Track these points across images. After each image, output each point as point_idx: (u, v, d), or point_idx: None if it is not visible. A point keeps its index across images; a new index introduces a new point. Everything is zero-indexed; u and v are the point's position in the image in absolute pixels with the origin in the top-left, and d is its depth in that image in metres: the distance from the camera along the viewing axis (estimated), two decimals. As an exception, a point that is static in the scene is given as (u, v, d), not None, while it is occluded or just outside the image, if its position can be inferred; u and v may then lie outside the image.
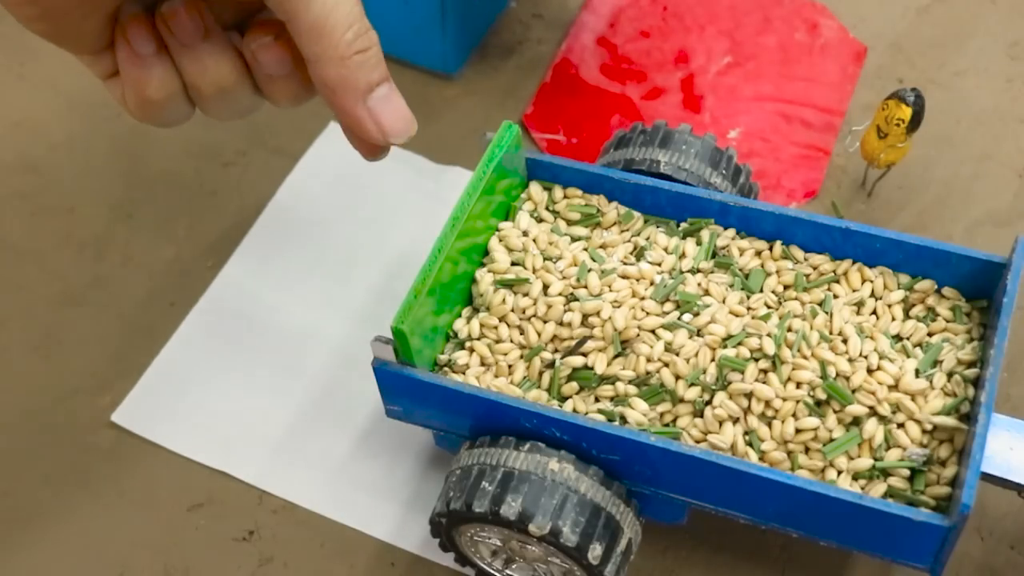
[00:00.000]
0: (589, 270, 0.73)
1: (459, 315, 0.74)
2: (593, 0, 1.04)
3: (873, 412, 0.67)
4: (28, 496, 0.81)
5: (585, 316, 0.71)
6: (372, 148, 0.63)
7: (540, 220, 0.77)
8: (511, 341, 0.72)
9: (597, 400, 0.70)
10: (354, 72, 0.58)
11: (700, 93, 0.98)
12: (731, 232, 0.76)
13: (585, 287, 0.72)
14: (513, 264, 0.75)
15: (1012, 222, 0.90)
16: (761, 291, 0.73)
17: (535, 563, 0.72)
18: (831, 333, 0.70)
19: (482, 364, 0.72)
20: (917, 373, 0.68)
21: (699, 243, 0.75)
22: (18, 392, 0.85)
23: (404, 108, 0.62)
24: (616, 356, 0.70)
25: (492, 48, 1.02)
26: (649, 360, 0.69)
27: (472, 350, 0.72)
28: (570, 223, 0.77)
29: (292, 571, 0.77)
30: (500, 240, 0.76)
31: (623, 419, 0.68)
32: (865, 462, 0.66)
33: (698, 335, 0.70)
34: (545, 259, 0.74)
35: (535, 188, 0.78)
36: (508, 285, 0.73)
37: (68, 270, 0.91)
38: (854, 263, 0.74)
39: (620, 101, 0.98)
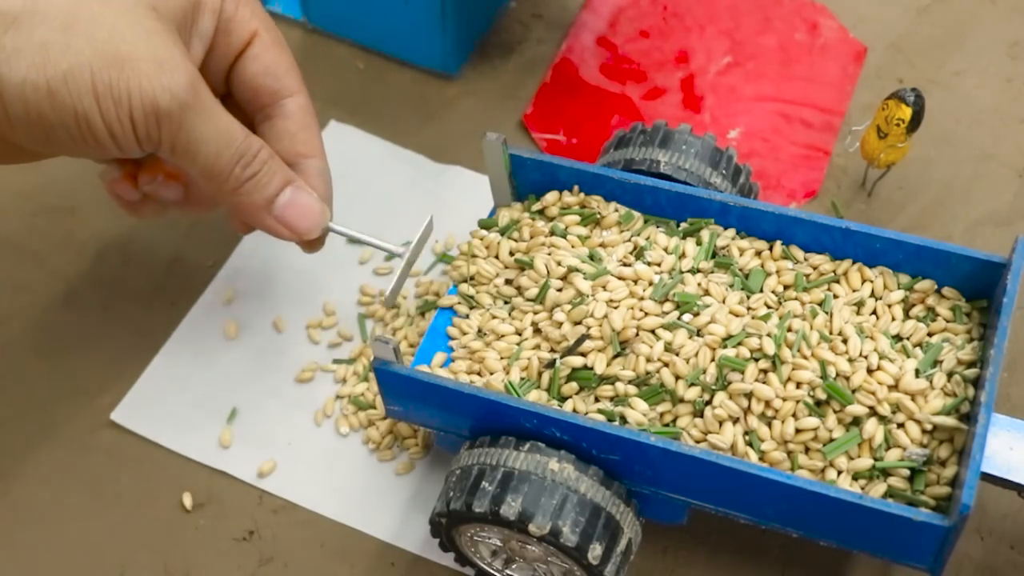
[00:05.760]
0: (585, 271, 0.73)
1: None
2: (593, 0, 1.04)
3: (873, 412, 0.67)
4: (28, 496, 0.81)
5: (582, 316, 0.71)
6: (304, 244, 0.72)
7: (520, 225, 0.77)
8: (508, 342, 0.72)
9: (597, 400, 0.70)
10: (250, 196, 0.67)
11: (700, 93, 0.98)
12: (731, 232, 0.76)
13: (583, 287, 0.72)
14: (517, 266, 0.75)
15: (1012, 222, 0.90)
16: (761, 291, 0.73)
17: (535, 563, 0.72)
18: (831, 333, 0.70)
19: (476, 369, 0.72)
20: (917, 373, 0.68)
21: (699, 243, 0.75)
22: (18, 392, 0.85)
23: (311, 203, 0.70)
24: (616, 356, 0.70)
25: (492, 48, 1.02)
26: (649, 360, 0.69)
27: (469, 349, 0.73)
28: (568, 224, 0.77)
29: (292, 571, 0.77)
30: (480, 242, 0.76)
31: (623, 419, 0.68)
32: (865, 462, 0.66)
33: (698, 335, 0.70)
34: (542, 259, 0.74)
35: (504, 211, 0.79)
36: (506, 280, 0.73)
37: (68, 270, 0.91)
38: (854, 263, 0.74)
39: (620, 101, 0.98)
